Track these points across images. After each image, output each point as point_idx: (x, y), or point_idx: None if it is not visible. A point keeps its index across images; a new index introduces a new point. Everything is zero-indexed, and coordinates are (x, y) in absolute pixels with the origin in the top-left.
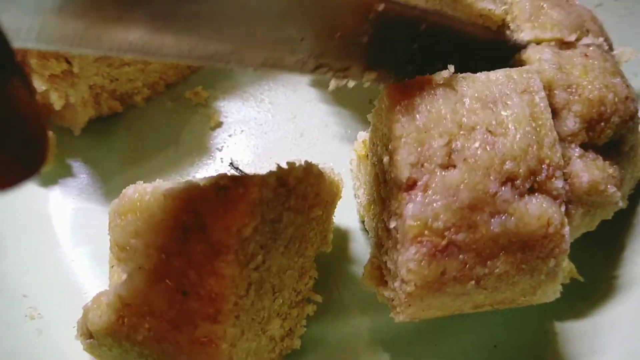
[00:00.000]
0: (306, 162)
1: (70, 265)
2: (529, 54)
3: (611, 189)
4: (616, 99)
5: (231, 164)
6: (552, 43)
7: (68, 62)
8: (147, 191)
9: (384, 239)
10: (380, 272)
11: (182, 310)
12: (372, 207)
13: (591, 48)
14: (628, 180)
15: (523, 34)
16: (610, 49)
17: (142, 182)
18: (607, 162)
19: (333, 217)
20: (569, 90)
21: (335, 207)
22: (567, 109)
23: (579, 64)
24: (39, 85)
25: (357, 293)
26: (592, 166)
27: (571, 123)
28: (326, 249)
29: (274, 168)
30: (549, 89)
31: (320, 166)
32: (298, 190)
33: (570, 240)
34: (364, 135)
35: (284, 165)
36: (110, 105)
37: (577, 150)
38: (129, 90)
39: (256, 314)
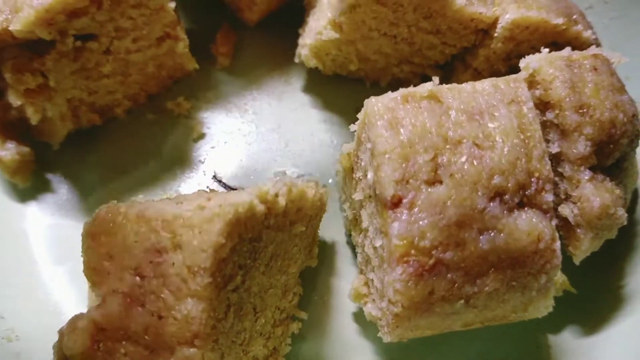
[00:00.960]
0: (287, 183)
1: (48, 284)
2: (542, 65)
3: (620, 211)
4: (625, 119)
5: (214, 176)
6: (564, 57)
7: (44, 75)
8: (120, 212)
9: (370, 256)
10: (368, 289)
11: (159, 334)
12: (358, 222)
13: (599, 60)
14: (628, 192)
15: (508, 15)
16: (599, 46)
17: (116, 201)
18: (613, 182)
19: (318, 231)
20: (580, 111)
21: (320, 221)
22: (578, 131)
23: (590, 82)
24: (15, 99)
25: (344, 309)
26: (602, 189)
27: (582, 146)
28: (312, 263)
29: (258, 180)
30: (559, 108)
31: (305, 179)
32: (278, 208)
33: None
34: (348, 147)
35: (264, 183)
36: (89, 118)
37: (586, 173)
38: (109, 102)
39: (236, 335)
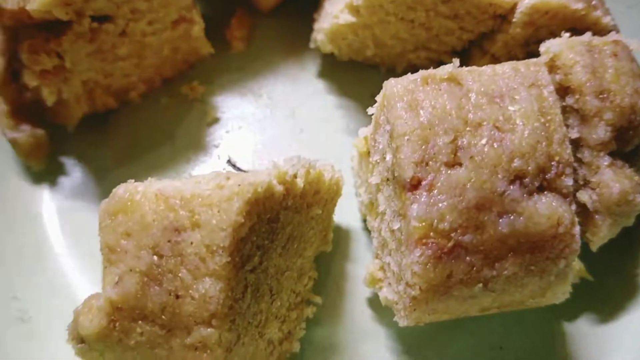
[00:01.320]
0: (305, 164)
1: (62, 265)
2: (562, 50)
3: (639, 197)
4: None
5: (229, 161)
6: (585, 42)
7: (60, 56)
8: (138, 190)
9: (387, 239)
10: (383, 273)
11: (176, 314)
12: (375, 206)
13: (619, 47)
14: None
15: (527, 0)
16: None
17: (133, 180)
18: (632, 169)
19: (333, 216)
20: (601, 96)
21: (335, 205)
22: (598, 116)
23: (610, 67)
24: (30, 80)
25: (358, 294)
26: (621, 175)
27: (602, 132)
28: (326, 248)
29: (276, 162)
30: (579, 93)
31: (320, 163)
32: (296, 189)
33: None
34: (365, 131)
35: (282, 164)
36: (104, 101)
37: (606, 159)
38: (124, 85)
39: (253, 317)
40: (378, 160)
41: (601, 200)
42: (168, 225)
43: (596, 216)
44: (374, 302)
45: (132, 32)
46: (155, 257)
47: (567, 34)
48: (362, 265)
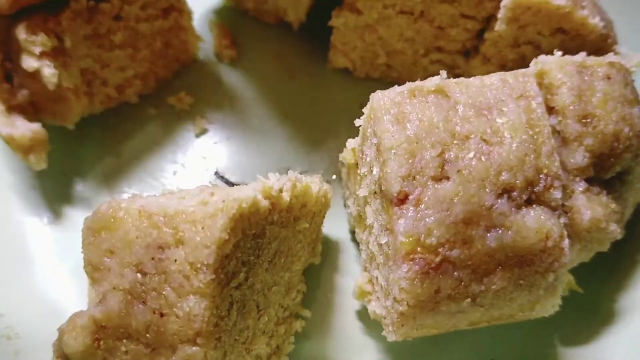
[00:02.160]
0: (291, 178)
1: (48, 281)
2: (551, 68)
3: (612, 226)
4: (631, 133)
5: (216, 173)
6: (577, 62)
7: (59, 38)
8: (121, 207)
9: (375, 253)
10: (372, 286)
11: (161, 332)
12: (363, 218)
13: (614, 69)
14: (629, 206)
15: None
16: (614, 41)
17: (116, 196)
18: (610, 196)
19: (322, 227)
20: (583, 121)
21: (324, 218)
22: (578, 141)
23: (599, 91)
24: (30, 63)
25: (348, 307)
26: (595, 202)
27: (580, 157)
28: (315, 261)
29: (261, 177)
30: (562, 115)
31: (306, 177)
32: (282, 204)
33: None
34: (353, 143)
35: (269, 178)
36: (102, 97)
37: (581, 184)
38: (120, 80)
39: (239, 334)
40: (365, 173)
41: (571, 225)
42: (151, 242)
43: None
44: (363, 314)
45: (126, 16)
46: (139, 275)
47: (560, 53)
48: (351, 278)
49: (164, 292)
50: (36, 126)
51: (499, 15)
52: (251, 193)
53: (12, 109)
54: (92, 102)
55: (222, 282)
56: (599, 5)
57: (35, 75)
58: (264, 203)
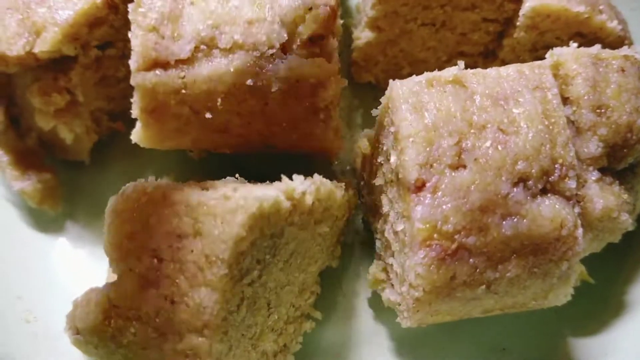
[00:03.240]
0: (316, 181)
1: (67, 266)
2: (567, 60)
3: (624, 216)
4: None
5: (236, 170)
6: (592, 54)
7: (70, 92)
8: (146, 192)
9: (390, 241)
10: (386, 275)
11: (170, 319)
12: (377, 208)
13: (629, 62)
14: None
15: (528, 3)
16: (630, 42)
17: (143, 179)
18: (622, 187)
19: (343, 232)
20: (597, 111)
21: (346, 223)
22: (592, 131)
23: (613, 83)
24: (46, 123)
25: (362, 310)
26: (608, 192)
27: (593, 146)
28: (333, 264)
29: (286, 178)
30: (576, 105)
31: (334, 182)
32: (304, 206)
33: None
34: (368, 133)
35: (294, 179)
36: (109, 126)
37: (594, 173)
38: (125, 107)
39: (247, 329)
40: (382, 162)
41: (584, 213)
42: (171, 230)
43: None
44: (377, 310)
45: (130, 53)
46: (155, 260)
47: (575, 44)
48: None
49: (177, 281)
50: (47, 176)
51: (518, 23)
52: (273, 193)
53: (22, 154)
54: (99, 133)
55: (235, 278)
56: (613, 6)
57: None
58: (286, 204)
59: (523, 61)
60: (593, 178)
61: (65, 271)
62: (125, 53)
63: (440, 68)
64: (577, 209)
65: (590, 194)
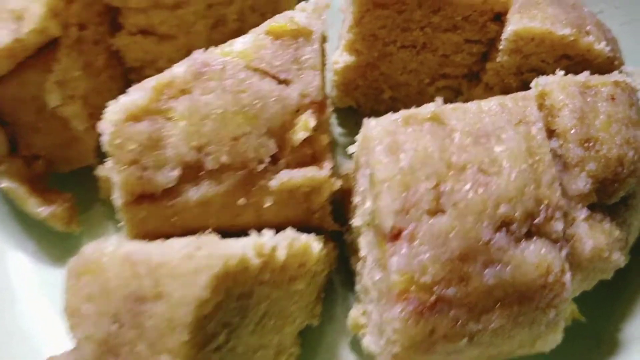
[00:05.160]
0: (288, 235)
1: (31, 319)
2: (553, 90)
3: (615, 255)
4: (636, 157)
5: None
6: (580, 82)
7: None
8: (105, 252)
9: (369, 287)
10: (367, 318)
11: None
12: (357, 248)
13: (619, 89)
14: (634, 230)
15: (510, 27)
16: (620, 62)
17: (103, 239)
18: (614, 222)
19: (324, 287)
20: (585, 145)
21: (327, 278)
22: (579, 166)
23: (602, 113)
24: (55, 99)
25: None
26: (598, 230)
27: (582, 183)
28: (313, 322)
29: (255, 232)
30: (563, 138)
31: (307, 235)
32: (275, 263)
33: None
34: (347, 168)
35: (263, 233)
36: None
37: (583, 211)
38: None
39: None
40: (359, 203)
41: (573, 254)
42: (131, 293)
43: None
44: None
45: (103, 39)
46: (114, 326)
47: (562, 72)
48: (354, 339)
49: (137, 348)
50: (67, 196)
51: (501, 47)
52: (239, 250)
53: (34, 181)
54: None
55: (199, 344)
56: (602, 24)
57: (41, 128)
58: (254, 261)
59: (508, 84)
60: (582, 216)
61: (30, 326)
62: (97, 39)
63: (423, 91)
64: (565, 251)
65: (579, 233)
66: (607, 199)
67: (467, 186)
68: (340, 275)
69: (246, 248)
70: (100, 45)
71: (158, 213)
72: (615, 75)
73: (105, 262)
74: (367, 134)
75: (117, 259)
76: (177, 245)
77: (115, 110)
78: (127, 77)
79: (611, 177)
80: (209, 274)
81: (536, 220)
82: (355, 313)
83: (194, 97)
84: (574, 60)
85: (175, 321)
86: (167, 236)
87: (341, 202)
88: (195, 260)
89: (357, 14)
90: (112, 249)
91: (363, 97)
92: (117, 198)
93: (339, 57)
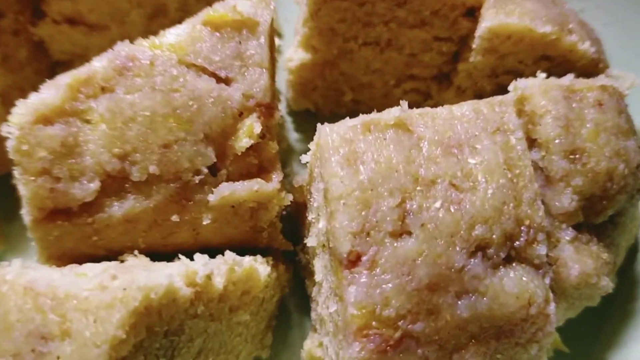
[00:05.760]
0: (228, 260)
1: None
2: (533, 94)
3: (604, 280)
4: (626, 171)
5: None
6: (564, 86)
7: None
8: (5, 279)
9: (324, 318)
10: (323, 351)
11: None
12: (312, 271)
13: (607, 94)
14: (622, 251)
15: (485, 23)
16: (605, 65)
17: (8, 263)
18: (601, 244)
19: (274, 314)
20: (571, 157)
21: (277, 304)
22: (564, 181)
23: (589, 121)
24: None
25: None
26: (585, 253)
27: (567, 200)
28: (263, 354)
29: (184, 258)
30: (546, 149)
31: (250, 259)
32: (212, 292)
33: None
34: (301, 180)
35: (196, 258)
36: None
37: (568, 232)
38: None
39: None
40: (313, 220)
41: (557, 279)
42: (34, 330)
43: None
44: None
45: (24, 28)
46: None
47: (543, 75)
48: None
49: None
50: None
51: (474, 46)
52: (164, 280)
53: None
54: None
55: None
56: (585, 23)
57: None
58: (185, 292)
59: (482, 88)
60: (567, 238)
61: None
62: (17, 28)
63: (388, 93)
64: (548, 278)
65: (564, 257)
66: (594, 217)
67: (437, 204)
68: (295, 298)
69: (174, 277)
70: (20, 36)
71: (75, 231)
72: (601, 79)
73: (5, 292)
74: (321, 142)
75: (18, 289)
76: (90, 273)
77: (22, 111)
78: (54, 72)
79: (599, 193)
80: (125, 309)
81: (516, 244)
82: (310, 344)
83: (117, 96)
84: (555, 61)
85: None
86: (88, 259)
87: (295, 218)
88: (109, 292)
89: (313, 6)
90: (12, 276)
91: (322, 99)
92: (26, 214)
93: (294, 54)
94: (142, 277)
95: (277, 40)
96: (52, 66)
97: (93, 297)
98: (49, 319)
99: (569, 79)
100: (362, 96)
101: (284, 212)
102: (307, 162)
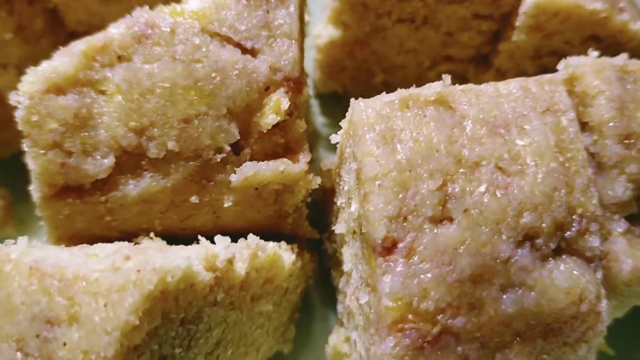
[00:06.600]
0: (251, 245)
1: None
2: (585, 73)
3: None
4: None
5: None
6: (617, 66)
7: None
8: (10, 258)
9: (353, 310)
10: (349, 347)
11: None
12: (339, 260)
13: None
14: None
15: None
16: None
17: (13, 241)
18: None
19: (299, 305)
20: (626, 142)
21: (301, 294)
22: (618, 168)
23: None
24: None
25: None
26: (638, 247)
27: (620, 189)
28: (284, 349)
29: (205, 240)
30: (598, 133)
31: (274, 244)
32: (233, 279)
33: None
34: (329, 163)
35: (217, 241)
36: None
37: (621, 224)
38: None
39: None
40: (343, 205)
41: (607, 275)
42: (39, 313)
43: None
44: None
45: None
46: (18, 354)
47: (595, 53)
48: None
49: None
50: (3, 192)
51: (518, 23)
52: (183, 262)
53: None
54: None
55: None
56: (636, 3)
57: None
58: (204, 276)
59: (523, 70)
60: (619, 230)
61: None
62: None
63: (422, 76)
64: (600, 272)
65: (616, 250)
66: None
67: (482, 188)
68: (319, 290)
69: (192, 259)
70: (36, 5)
71: (87, 211)
72: None
73: (9, 272)
74: (354, 119)
75: (23, 268)
76: (102, 253)
77: (33, 79)
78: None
79: None
80: (139, 293)
81: (567, 234)
82: (335, 340)
83: (135, 65)
84: (604, 42)
85: (94, 354)
86: (100, 241)
87: (321, 204)
88: (122, 273)
89: None
90: (17, 255)
91: (351, 81)
92: (34, 190)
93: (323, 31)
94: (157, 259)
95: (305, 16)
96: (69, 38)
97: (104, 279)
98: (56, 301)
99: (622, 58)
100: (393, 78)
101: (309, 199)
102: (337, 143)
